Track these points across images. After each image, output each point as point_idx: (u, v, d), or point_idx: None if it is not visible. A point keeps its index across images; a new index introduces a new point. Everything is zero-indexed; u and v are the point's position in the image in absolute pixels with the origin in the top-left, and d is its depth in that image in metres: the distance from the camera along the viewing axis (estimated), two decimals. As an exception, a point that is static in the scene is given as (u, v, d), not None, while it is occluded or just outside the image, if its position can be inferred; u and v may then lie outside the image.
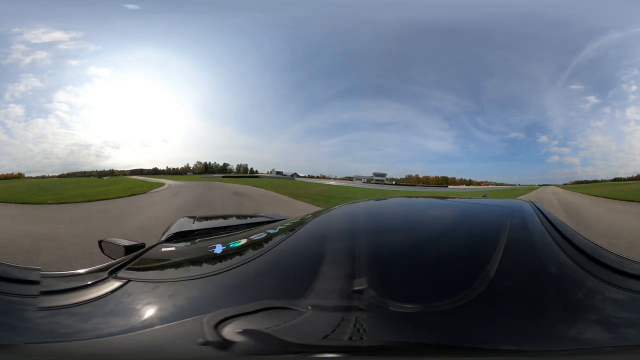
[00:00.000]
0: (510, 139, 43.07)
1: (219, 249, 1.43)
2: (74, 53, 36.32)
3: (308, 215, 1.88)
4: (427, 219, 1.78)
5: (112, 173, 49.05)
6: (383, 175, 45.58)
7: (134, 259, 1.39)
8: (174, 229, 2.08)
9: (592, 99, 36.20)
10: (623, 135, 36.46)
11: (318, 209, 3.44)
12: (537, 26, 32.56)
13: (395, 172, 49.41)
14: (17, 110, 36.68)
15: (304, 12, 35.22)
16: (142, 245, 1.71)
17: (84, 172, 46.61)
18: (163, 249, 1.58)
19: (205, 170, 55.17)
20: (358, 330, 0.83)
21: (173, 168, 55.47)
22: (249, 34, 40.16)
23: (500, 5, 31.77)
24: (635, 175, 33.04)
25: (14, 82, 35.81)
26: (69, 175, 43.56)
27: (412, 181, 47.69)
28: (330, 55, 42.70)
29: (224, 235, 1.79)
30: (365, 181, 45.38)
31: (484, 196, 3.14)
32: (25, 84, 36.00)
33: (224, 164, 55.61)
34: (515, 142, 43.12)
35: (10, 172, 37.92)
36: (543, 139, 40.37)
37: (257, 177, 49.50)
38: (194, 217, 2.53)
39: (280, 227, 1.64)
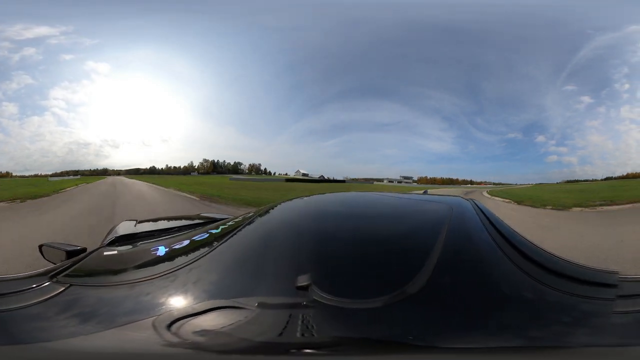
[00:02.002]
0: (509, 139, 42.83)
1: (161, 251, 1.42)
2: (68, 47, 35.15)
3: (250, 213, 1.89)
4: (369, 215, 1.79)
5: (105, 172, 43.32)
6: (410, 177, 49.30)
7: (76, 263, 1.37)
8: (115, 233, 2.04)
9: (587, 99, 36.09)
10: (619, 134, 36.35)
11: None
12: (535, 26, 32.55)
13: (394, 172, 51.17)
14: (11, 108, 36.02)
15: (303, 13, 35.25)
16: (83, 250, 1.69)
17: (77, 171, 44.69)
18: (105, 253, 1.57)
19: (214, 169, 49.76)
20: (307, 327, 0.84)
21: (174, 167, 48.82)
22: (248, 34, 39.69)
23: (500, 6, 31.76)
24: (625, 174, 33.40)
25: (5, 80, 34.99)
26: (62, 174, 42.02)
27: (422, 182, 52.23)
28: (330, 56, 43.22)
29: (167, 237, 1.77)
30: (396, 183, 47.92)
31: (424, 192, 3.26)
32: (17, 82, 35.37)
33: (236, 162, 51.15)
34: (514, 142, 42.88)
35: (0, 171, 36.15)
36: (541, 138, 39.92)
37: (342, 181, 45.78)
38: (135, 220, 2.49)
39: (223, 227, 1.64)
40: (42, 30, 33.16)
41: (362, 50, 41.28)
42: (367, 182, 48.68)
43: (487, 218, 1.54)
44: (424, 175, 51.92)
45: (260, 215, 1.76)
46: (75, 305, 1.06)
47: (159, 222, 2.71)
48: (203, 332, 0.86)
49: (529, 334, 0.88)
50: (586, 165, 38.12)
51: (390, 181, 48.82)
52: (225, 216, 2.50)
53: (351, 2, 34.67)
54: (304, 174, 48.82)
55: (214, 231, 1.58)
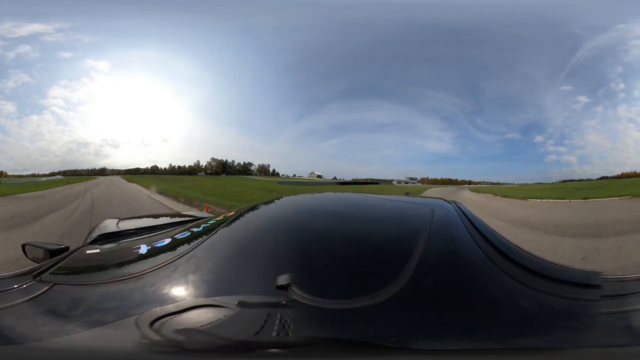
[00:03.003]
0: (507, 139, 42.45)
1: (144, 249, 1.41)
2: (66, 45, 34.28)
3: (231, 212, 1.89)
4: (351, 216, 1.78)
5: (104, 172, 44.87)
6: (415, 178, 50.16)
7: (59, 262, 1.36)
8: (98, 231, 2.03)
9: (584, 98, 35.82)
10: (617, 133, 36.22)
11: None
12: (534, 26, 32.52)
13: (393, 173, 50.92)
14: (9, 107, 35.15)
15: (303, 13, 34.81)
16: (66, 249, 1.68)
17: (74, 171, 43.21)
18: (88, 252, 1.57)
19: (223, 169, 47.62)
20: (283, 327, 0.84)
21: (178, 167, 45.94)
22: (248, 34, 39.03)
23: (499, 6, 31.44)
24: (620, 174, 33.56)
25: (2, 79, 33.85)
26: (59, 173, 41.23)
27: (425, 182, 53.14)
28: (329, 56, 42.79)
29: (149, 236, 1.76)
30: (404, 183, 48.44)
31: (406, 194, 3.18)
32: (14, 80, 34.42)
33: (246, 163, 49.19)
34: (512, 142, 42.44)
35: (-4, 171, 34.36)
36: (539, 138, 39.31)
37: (377, 183, 44.60)
38: (118, 218, 2.46)
39: (204, 226, 1.62)
40: (34, 27, 31.98)
41: (361, 50, 40.93)
42: (387, 183, 48.79)
43: (470, 220, 1.53)
44: (424, 176, 52.80)
45: (242, 215, 1.76)
46: (59, 304, 1.07)
47: (141, 220, 2.69)
48: (184, 331, 0.87)
49: (512, 336, 0.87)
50: (585, 164, 38.10)
51: (399, 182, 49.26)
52: (207, 215, 2.49)
53: (351, 2, 34.36)
54: (318, 176, 47.94)
55: (195, 229, 1.58)
